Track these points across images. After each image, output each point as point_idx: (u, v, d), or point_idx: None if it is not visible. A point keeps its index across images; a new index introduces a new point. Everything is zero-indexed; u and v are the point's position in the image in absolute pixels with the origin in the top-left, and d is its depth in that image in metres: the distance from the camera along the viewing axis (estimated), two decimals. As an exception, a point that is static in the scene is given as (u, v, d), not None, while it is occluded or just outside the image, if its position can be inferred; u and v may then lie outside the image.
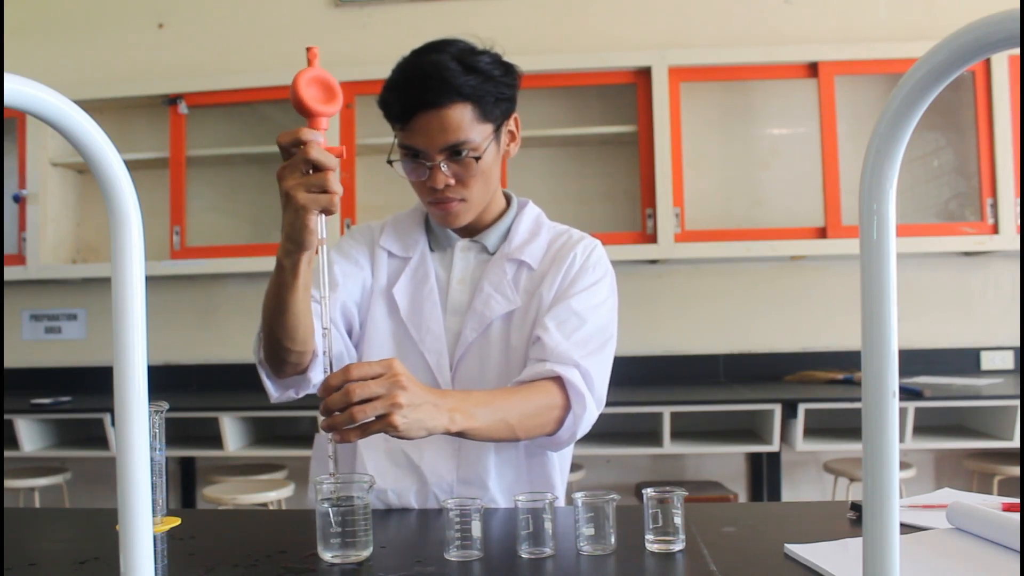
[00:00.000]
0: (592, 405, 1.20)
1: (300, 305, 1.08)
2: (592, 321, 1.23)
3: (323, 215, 0.99)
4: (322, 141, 0.98)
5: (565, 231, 1.35)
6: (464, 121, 1.18)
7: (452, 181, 1.22)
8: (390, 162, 1.27)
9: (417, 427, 0.99)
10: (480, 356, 1.27)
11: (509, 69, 1.24)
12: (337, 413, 0.95)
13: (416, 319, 1.28)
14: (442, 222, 1.29)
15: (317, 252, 1.02)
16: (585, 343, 1.21)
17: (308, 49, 0.98)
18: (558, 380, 1.17)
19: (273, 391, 1.20)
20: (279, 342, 1.11)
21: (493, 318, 1.26)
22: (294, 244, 1.00)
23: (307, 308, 1.11)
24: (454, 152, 1.20)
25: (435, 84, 1.17)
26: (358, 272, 1.32)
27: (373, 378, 0.97)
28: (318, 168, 0.96)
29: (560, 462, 1.33)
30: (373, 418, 0.97)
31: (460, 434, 1.07)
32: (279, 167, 0.99)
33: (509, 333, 1.27)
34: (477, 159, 1.21)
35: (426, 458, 1.25)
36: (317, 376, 1.18)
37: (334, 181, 0.97)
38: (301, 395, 1.22)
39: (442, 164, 1.20)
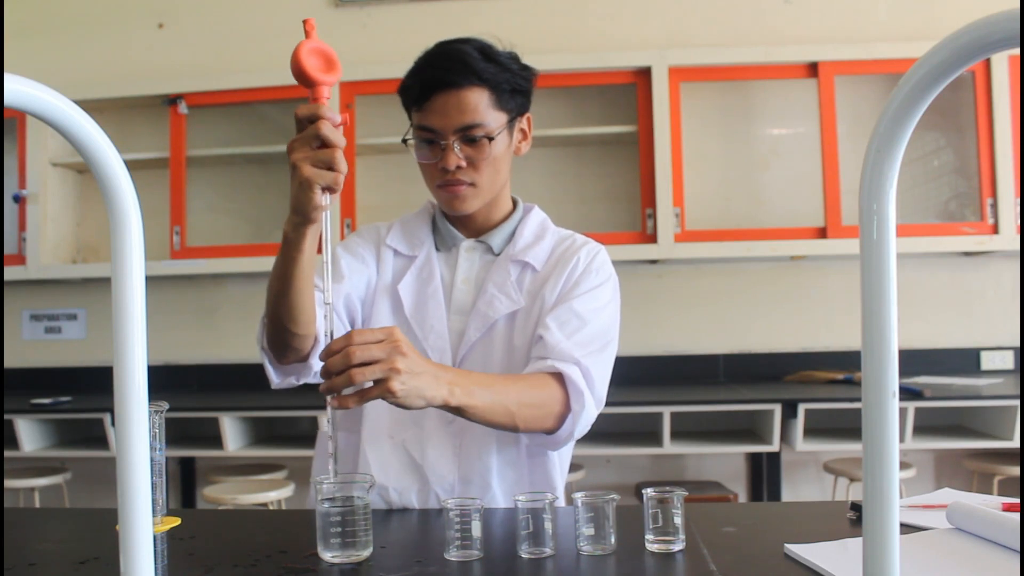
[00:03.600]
0: (591, 404, 1.20)
1: (303, 283, 1.09)
2: (593, 323, 1.24)
3: (328, 192, 1.00)
4: (338, 120, 0.99)
5: (569, 235, 1.37)
6: (480, 104, 1.21)
7: (463, 163, 1.23)
8: (404, 141, 1.27)
9: (415, 395, 1.00)
10: (483, 356, 1.27)
11: (526, 67, 1.29)
12: (337, 377, 0.96)
13: (420, 317, 1.29)
14: (449, 206, 1.29)
15: (320, 250, 1.03)
16: (586, 344, 1.22)
17: (305, 21, 0.99)
18: (558, 377, 1.18)
19: (275, 377, 1.21)
20: (282, 324, 1.12)
21: (496, 318, 1.27)
22: (300, 216, 1.02)
23: (310, 290, 1.11)
24: (468, 134, 1.22)
25: (455, 65, 1.20)
26: (363, 268, 1.32)
27: (375, 343, 0.98)
28: (327, 144, 0.98)
29: (560, 462, 1.33)
30: (371, 384, 0.98)
31: (458, 410, 1.08)
32: (290, 140, 1.00)
33: (512, 333, 1.27)
34: (491, 140, 1.23)
35: (428, 457, 1.25)
36: (318, 363, 1.18)
37: (340, 159, 0.99)
38: (302, 382, 1.23)
39: (455, 144, 1.22)
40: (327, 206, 1.01)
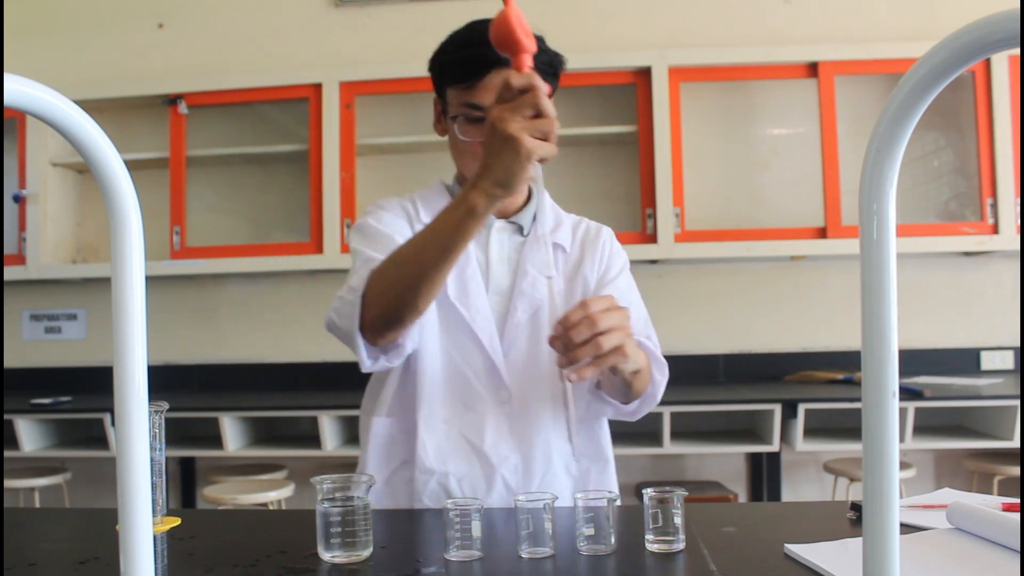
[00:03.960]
0: (666, 375, 1.26)
1: (455, 260, 1.07)
2: (636, 303, 1.30)
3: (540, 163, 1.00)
4: (548, 90, 0.98)
5: (580, 219, 1.41)
6: None
7: None
8: (453, 118, 1.25)
9: (634, 359, 1.06)
10: (531, 337, 1.27)
11: (556, 53, 1.27)
12: (583, 347, 1.00)
13: (464, 299, 1.28)
14: None
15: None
16: (643, 321, 1.28)
17: None
18: None
19: (367, 359, 1.17)
20: (413, 302, 1.08)
21: (542, 299, 1.27)
22: (504, 189, 0.99)
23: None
24: None
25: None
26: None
27: (607, 311, 1.02)
28: (543, 115, 0.96)
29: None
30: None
31: (636, 375, 1.13)
32: (498, 109, 0.98)
33: (556, 315, 1.27)
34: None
35: (487, 440, 1.24)
36: (411, 343, 1.19)
37: (556, 130, 0.98)
38: (394, 363, 1.20)
39: None
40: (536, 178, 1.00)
